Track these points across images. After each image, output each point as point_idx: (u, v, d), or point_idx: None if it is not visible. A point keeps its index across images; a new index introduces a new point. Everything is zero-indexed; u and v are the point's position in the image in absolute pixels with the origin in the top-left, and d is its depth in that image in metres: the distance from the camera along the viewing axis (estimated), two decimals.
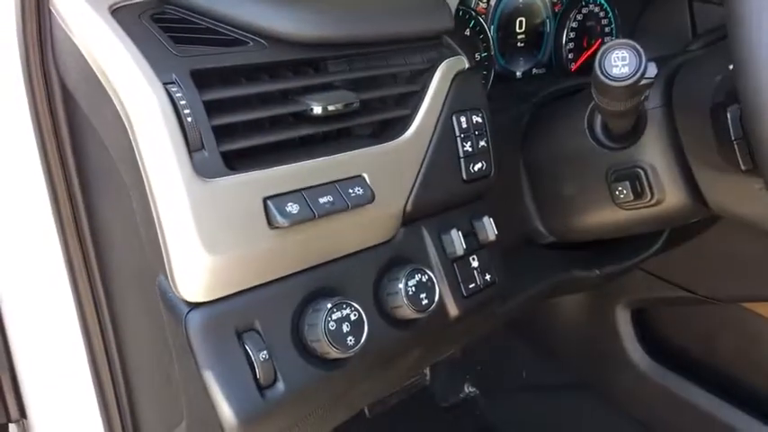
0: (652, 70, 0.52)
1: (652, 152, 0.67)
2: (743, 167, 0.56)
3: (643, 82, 0.52)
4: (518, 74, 0.94)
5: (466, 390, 1.54)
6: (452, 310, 0.62)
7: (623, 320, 1.27)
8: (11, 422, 0.73)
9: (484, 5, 0.89)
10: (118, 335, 0.59)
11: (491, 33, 0.90)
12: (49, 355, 0.66)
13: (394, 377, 0.62)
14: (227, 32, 0.53)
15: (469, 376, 1.54)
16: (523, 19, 0.93)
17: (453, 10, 0.68)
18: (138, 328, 0.59)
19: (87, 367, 0.61)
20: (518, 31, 0.94)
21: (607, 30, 1.02)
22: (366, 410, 1.29)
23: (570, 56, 1.00)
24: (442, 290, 0.61)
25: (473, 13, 0.86)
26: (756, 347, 1.13)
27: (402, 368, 0.63)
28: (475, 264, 0.63)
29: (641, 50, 0.52)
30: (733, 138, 0.56)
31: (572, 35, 0.98)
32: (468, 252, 0.63)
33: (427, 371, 1.42)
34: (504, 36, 0.92)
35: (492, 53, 0.90)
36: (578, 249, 0.84)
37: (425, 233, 0.61)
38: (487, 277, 0.64)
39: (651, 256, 0.88)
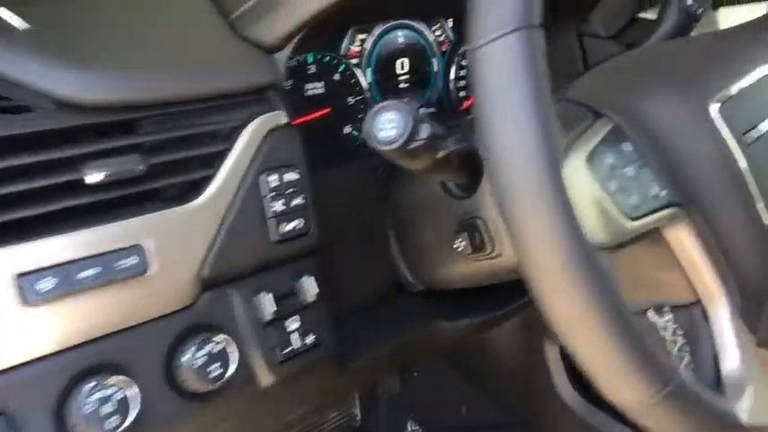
0: (424, 132, 0.50)
1: (487, 203, 0.65)
2: None
3: (413, 145, 0.49)
4: None
5: (409, 428, 1.50)
6: (264, 378, 0.59)
7: (553, 357, 1.23)
8: None
9: (357, 49, 0.87)
10: None
11: (366, 77, 0.88)
12: None
13: None
14: (15, 98, 0.52)
15: (413, 414, 1.50)
16: (406, 60, 0.92)
17: (284, 62, 0.66)
18: None
19: None
20: (399, 72, 0.92)
21: None
22: None
23: (462, 94, 0.98)
24: (251, 356, 0.58)
25: (341, 59, 0.85)
26: None
27: None
28: (293, 326, 0.61)
29: (412, 111, 0.49)
30: None
31: (461, 73, 0.96)
32: (285, 315, 0.60)
33: (357, 410, 1.38)
34: (385, 78, 0.90)
35: (366, 96, 0.88)
36: (451, 297, 0.81)
37: (235, 297, 0.58)
38: (309, 339, 0.62)
39: (528, 304, 0.85)
